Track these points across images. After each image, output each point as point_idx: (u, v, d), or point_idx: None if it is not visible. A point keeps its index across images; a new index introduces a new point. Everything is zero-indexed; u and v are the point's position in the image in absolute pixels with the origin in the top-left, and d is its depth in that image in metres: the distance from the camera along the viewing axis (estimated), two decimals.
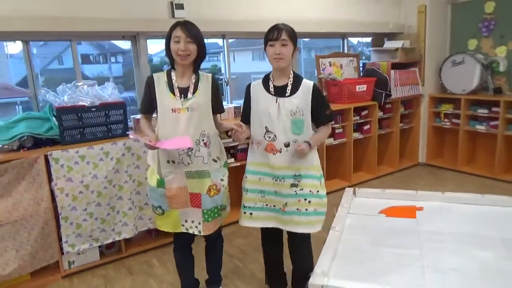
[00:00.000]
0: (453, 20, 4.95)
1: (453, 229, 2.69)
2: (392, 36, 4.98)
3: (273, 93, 2.05)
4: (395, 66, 4.59)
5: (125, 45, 3.81)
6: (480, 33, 4.69)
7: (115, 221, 2.85)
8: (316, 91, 2.05)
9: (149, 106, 2.11)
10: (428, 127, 5.04)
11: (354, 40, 5.31)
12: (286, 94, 2.03)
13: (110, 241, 2.86)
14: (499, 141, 4.33)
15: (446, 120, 4.87)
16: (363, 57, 5.28)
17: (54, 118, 2.75)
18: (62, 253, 2.73)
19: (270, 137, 2.04)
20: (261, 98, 2.07)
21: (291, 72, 2.08)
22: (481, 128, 4.54)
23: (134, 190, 2.90)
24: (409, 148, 5.19)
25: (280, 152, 2.03)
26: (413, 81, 4.78)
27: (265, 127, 2.04)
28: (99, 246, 2.91)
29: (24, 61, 2.92)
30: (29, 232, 2.55)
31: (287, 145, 2.03)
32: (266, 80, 2.10)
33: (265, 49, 2.04)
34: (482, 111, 4.49)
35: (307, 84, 2.05)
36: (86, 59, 3.81)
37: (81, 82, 2.90)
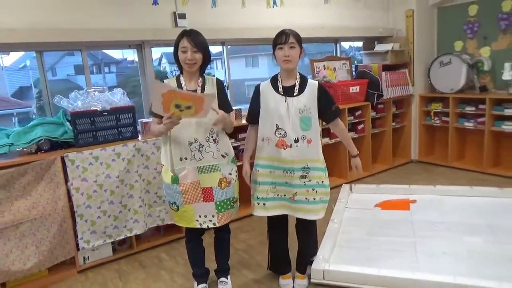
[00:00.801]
0: (439, 23, 5.20)
1: (444, 219, 2.89)
2: (382, 39, 5.21)
3: (282, 93, 2.24)
4: (386, 68, 4.81)
5: (118, 55, 3.93)
6: (465, 35, 4.93)
7: (126, 218, 3.01)
8: (321, 90, 2.25)
9: None
10: (419, 125, 5.26)
11: (345, 45, 5.53)
12: (294, 94, 2.22)
13: (122, 237, 3.02)
14: (486, 136, 4.56)
15: (436, 118, 5.10)
16: (355, 61, 5.50)
17: (68, 123, 2.92)
18: (78, 249, 2.89)
19: (280, 134, 2.22)
20: (270, 98, 2.25)
21: (298, 73, 2.28)
22: (469, 125, 4.76)
23: (144, 189, 3.07)
24: (402, 146, 5.40)
25: (290, 147, 2.22)
26: (404, 82, 5.00)
27: (276, 124, 2.22)
28: (112, 243, 3.06)
29: (38, 70, 3.10)
30: (47, 229, 2.71)
31: (296, 140, 2.21)
32: (274, 81, 2.29)
33: (273, 53, 2.23)
34: (469, 109, 4.72)
35: (312, 84, 2.26)
36: (79, 69, 3.95)
37: (92, 88, 3.07)
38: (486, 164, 4.64)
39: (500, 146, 4.73)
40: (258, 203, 2.35)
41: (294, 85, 2.24)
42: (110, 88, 3.21)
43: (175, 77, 2.29)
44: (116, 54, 4.76)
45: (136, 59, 3.84)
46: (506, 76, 4.43)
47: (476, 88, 4.77)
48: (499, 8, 4.55)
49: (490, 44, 4.71)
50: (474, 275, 2.12)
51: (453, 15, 5.01)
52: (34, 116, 3.43)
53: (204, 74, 2.30)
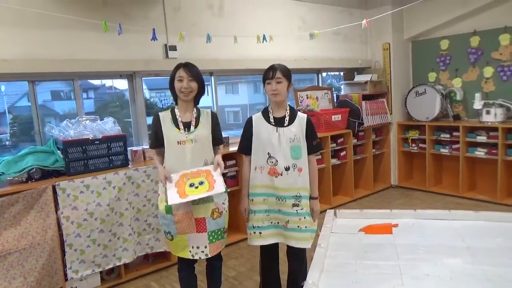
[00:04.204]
0: (414, 56, 5.53)
1: (425, 242, 3.02)
2: (361, 70, 5.49)
3: (274, 124, 2.35)
4: (365, 97, 5.05)
5: (97, 81, 4.00)
6: (438, 66, 5.26)
7: (116, 247, 3.01)
8: (309, 123, 2.38)
9: (158, 141, 2.34)
10: (398, 152, 5.48)
11: (324, 73, 5.78)
12: (285, 124, 2.34)
13: (111, 266, 3.01)
14: (461, 162, 4.80)
15: (413, 145, 5.34)
16: (333, 88, 5.73)
17: (59, 151, 2.94)
18: (66, 279, 2.86)
19: (272, 162, 2.32)
20: (263, 129, 2.36)
21: (287, 105, 2.41)
22: (445, 151, 5.01)
23: (133, 216, 3.10)
24: (382, 172, 5.60)
25: (281, 175, 2.31)
26: (382, 110, 5.24)
27: (268, 153, 2.32)
28: (100, 272, 3.04)
29: (29, 99, 3.14)
30: (36, 259, 2.68)
31: (287, 168, 2.31)
32: (265, 113, 2.40)
33: (264, 86, 2.36)
34: (444, 136, 4.98)
35: (301, 116, 2.39)
36: (56, 95, 3.97)
37: (84, 117, 3.12)
38: (462, 188, 4.86)
39: (474, 171, 4.98)
40: (254, 232, 2.40)
41: (284, 116, 2.37)
42: (88, 114, 3.27)
43: (170, 109, 2.38)
44: (94, 80, 4.81)
45: (115, 85, 3.92)
46: (476, 105, 4.72)
47: (450, 116, 5.05)
48: (468, 43, 4.90)
49: (461, 76, 5.03)
50: None
51: (427, 49, 5.34)
52: (7, 143, 3.43)
53: (198, 106, 2.40)
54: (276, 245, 2.49)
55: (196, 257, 2.34)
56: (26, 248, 2.64)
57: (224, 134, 3.93)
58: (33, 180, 2.79)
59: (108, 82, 4.17)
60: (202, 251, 2.33)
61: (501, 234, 2.79)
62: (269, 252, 2.52)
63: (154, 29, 3.18)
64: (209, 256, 2.34)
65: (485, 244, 2.87)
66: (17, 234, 2.61)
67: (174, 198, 2.17)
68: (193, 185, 2.20)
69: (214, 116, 2.42)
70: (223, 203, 2.36)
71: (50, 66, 3.04)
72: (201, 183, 2.21)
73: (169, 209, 2.27)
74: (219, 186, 2.21)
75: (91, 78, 3.64)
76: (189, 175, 2.23)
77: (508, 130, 4.43)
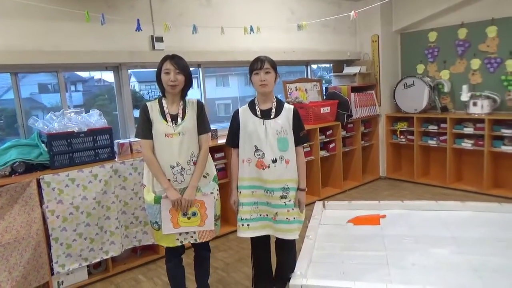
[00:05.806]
0: (402, 48, 5.54)
1: (413, 232, 3.04)
2: (350, 62, 5.48)
3: (260, 116, 2.33)
4: (354, 89, 5.05)
5: (85, 73, 3.93)
6: (426, 59, 5.28)
7: (103, 240, 2.98)
8: (296, 114, 2.37)
9: (149, 130, 2.29)
10: (386, 143, 5.51)
11: (314, 65, 5.77)
12: (271, 116, 2.33)
13: (98, 260, 2.98)
14: (448, 153, 4.85)
15: (402, 136, 5.37)
16: (323, 81, 5.73)
17: (43, 145, 2.89)
18: (52, 274, 2.82)
19: (259, 155, 2.31)
20: (249, 121, 2.34)
21: (274, 97, 2.39)
22: (432, 143, 5.05)
23: (120, 210, 3.06)
24: (371, 164, 5.63)
25: (269, 167, 2.30)
26: (371, 102, 5.25)
27: (255, 146, 2.31)
28: (87, 266, 3.01)
29: (12, 91, 3.06)
30: (21, 254, 2.64)
31: (274, 161, 2.30)
32: (252, 105, 2.38)
33: (250, 78, 2.34)
34: (432, 128, 5.02)
35: (288, 107, 2.37)
36: (44, 88, 3.89)
37: (68, 110, 3.06)
38: (449, 179, 4.91)
39: (461, 162, 5.04)
40: (243, 224, 2.40)
41: (271, 108, 2.35)
42: (76, 107, 3.22)
43: (157, 100, 2.34)
44: (83, 72, 4.76)
45: (104, 77, 3.86)
46: (464, 97, 4.76)
47: (437, 108, 5.08)
48: (455, 35, 4.92)
49: (449, 68, 5.06)
50: (442, 284, 2.24)
51: (415, 41, 5.36)
52: None
53: (185, 98, 2.37)
54: (267, 237, 2.49)
55: (185, 242, 2.36)
56: (11, 242, 2.60)
57: (215, 127, 3.92)
58: (17, 174, 2.74)
59: (97, 75, 4.10)
60: (191, 236, 2.36)
61: (486, 224, 2.82)
62: (260, 244, 2.52)
63: (138, 20, 3.12)
64: (198, 241, 2.35)
65: (471, 234, 2.91)
66: (0, 229, 2.56)
67: (168, 228, 2.29)
68: (186, 215, 2.31)
69: (199, 105, 2.39)
70: (211, 192, 2.35)
71: (32, 57, 2.97)
72: (194, 214, 2.32)
73: (157, 199, 2.27)
74: (209, 223, 2.35)
75: (75, 70, 3.58)
76: None
77: (495, 121, 4.48)
